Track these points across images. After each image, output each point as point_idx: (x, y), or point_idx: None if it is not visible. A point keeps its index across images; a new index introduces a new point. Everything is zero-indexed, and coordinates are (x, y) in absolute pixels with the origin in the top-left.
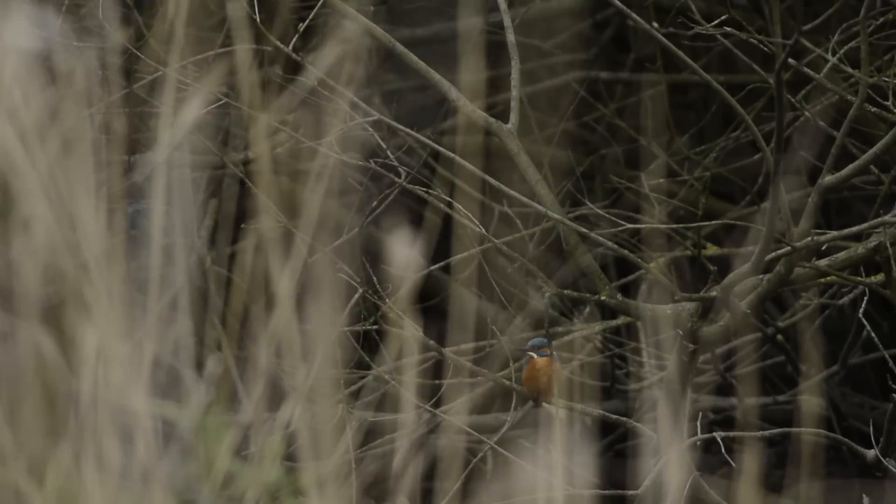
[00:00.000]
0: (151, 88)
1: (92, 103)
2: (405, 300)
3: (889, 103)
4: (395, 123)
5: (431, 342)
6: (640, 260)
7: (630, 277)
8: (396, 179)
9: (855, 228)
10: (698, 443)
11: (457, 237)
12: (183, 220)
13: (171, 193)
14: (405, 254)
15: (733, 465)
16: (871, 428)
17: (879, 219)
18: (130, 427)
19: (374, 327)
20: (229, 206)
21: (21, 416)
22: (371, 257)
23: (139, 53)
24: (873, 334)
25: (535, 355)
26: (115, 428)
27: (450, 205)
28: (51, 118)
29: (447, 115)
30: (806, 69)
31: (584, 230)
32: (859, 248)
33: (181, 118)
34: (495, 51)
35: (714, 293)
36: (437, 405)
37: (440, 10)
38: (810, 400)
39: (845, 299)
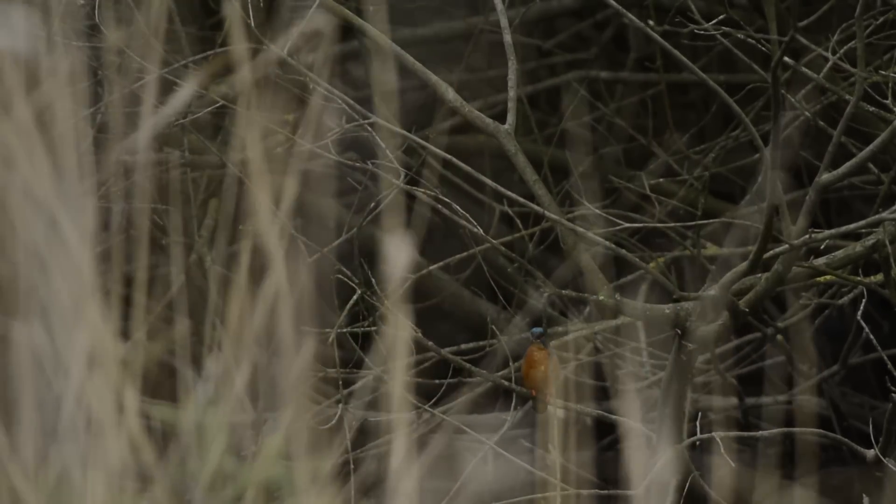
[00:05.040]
0: (147, 88)
1: (87, 103)
2: (403, 300)
3: (888, 102)
4: (387, 124)
5: (430, 342)
6: (637, 259)
7: (630, 277)
8: (394, 181)
9: (853, 226)
10: (698, 443)
11: (455, 237)
12: (182, 219)
13: (168, 193)
14: (402, 254)
15: (732, 464)
16: (871, 428)
17: (877, 216)
18: (128, 427)
19: (373, 328)
20: (229, 206)
21: (17, 417)
22: (369, 257)
23: (132, 53)
24: (871, 336)
25: (533, 340)
26: (112, 428)
27: (447, 205)
28: (46, 118)
29: (448, 115)
30: (805, 69)
31: (580, 229)
32: (857, 247)
33: (165, 109)
34: (496, 50)
35: (712, 292)
36: (436, 405)
37: (441, 10)
38: (810, 400)
39: (845, 299)
